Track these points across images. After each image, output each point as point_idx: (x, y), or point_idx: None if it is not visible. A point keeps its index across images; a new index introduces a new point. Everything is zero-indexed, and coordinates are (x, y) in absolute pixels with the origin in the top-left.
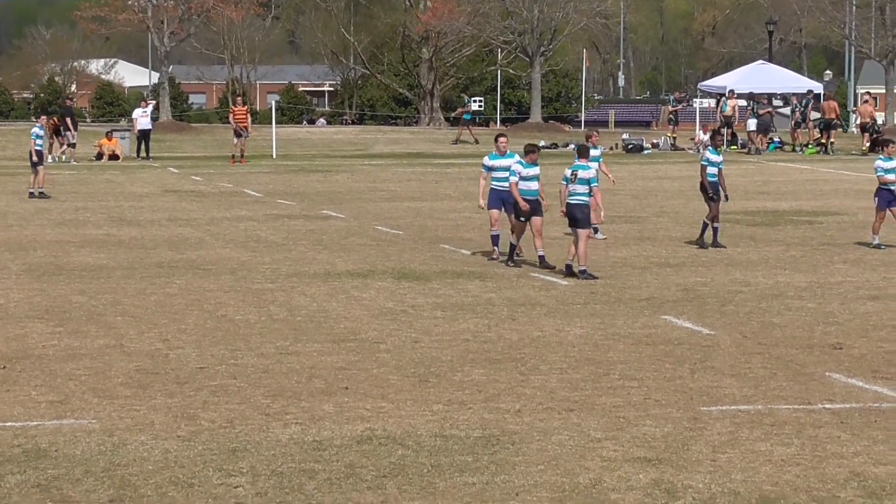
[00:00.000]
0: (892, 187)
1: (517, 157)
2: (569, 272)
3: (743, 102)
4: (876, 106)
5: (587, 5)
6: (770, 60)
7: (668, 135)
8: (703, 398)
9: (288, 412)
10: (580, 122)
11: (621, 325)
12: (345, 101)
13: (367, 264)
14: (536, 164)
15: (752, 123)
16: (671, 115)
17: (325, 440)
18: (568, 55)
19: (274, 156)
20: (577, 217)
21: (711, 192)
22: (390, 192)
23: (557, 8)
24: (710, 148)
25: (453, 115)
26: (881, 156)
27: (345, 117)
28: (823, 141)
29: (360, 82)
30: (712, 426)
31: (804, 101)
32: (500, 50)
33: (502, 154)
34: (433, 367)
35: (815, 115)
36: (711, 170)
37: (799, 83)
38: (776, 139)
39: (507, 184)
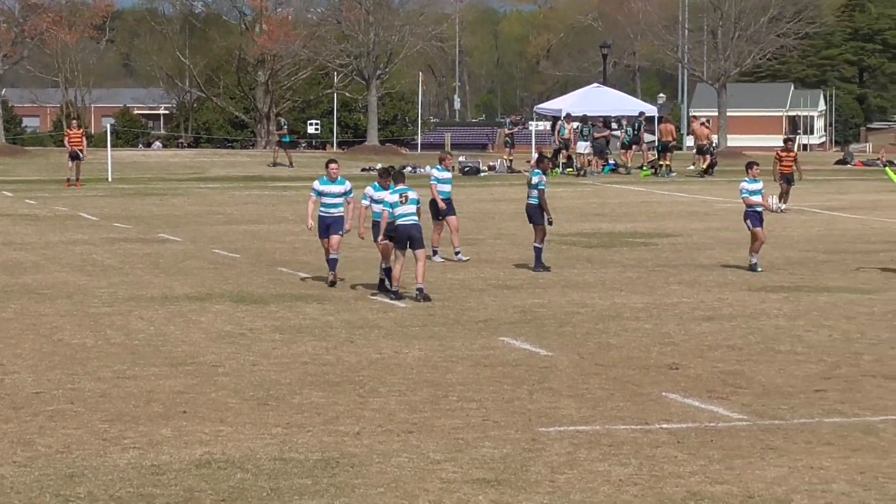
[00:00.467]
0: (758, 209)
1: (348, 184)
2: (390, 291)
3: (576, 125)
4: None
5: (423, 29)
6: (605, 83)
7: (505, 157)
8: (542, 419)
9: (126, 437)
10: (416, 144)
11: (460, 346)
12: (180, 125)
13: (204, 287)
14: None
15: (582, 146)
16: (507, 138)
17: (164, 464)
18: (404, 78)
19: (110, 179)
20: (415, 236)
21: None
22: (227, 216)
23: (393, 31)
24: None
25: (276, 139)
26: (746, 178)
27: (180, 140)
28: (662, 163)
29: (195, 105)
30: (551, 447)
31: (635, 124)
32: (336, 73)
33: (332, 180)
34: (272, 390)
35: (649, 137)
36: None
37: (633, 106)
38: (611, 161)
39: (334, 210)
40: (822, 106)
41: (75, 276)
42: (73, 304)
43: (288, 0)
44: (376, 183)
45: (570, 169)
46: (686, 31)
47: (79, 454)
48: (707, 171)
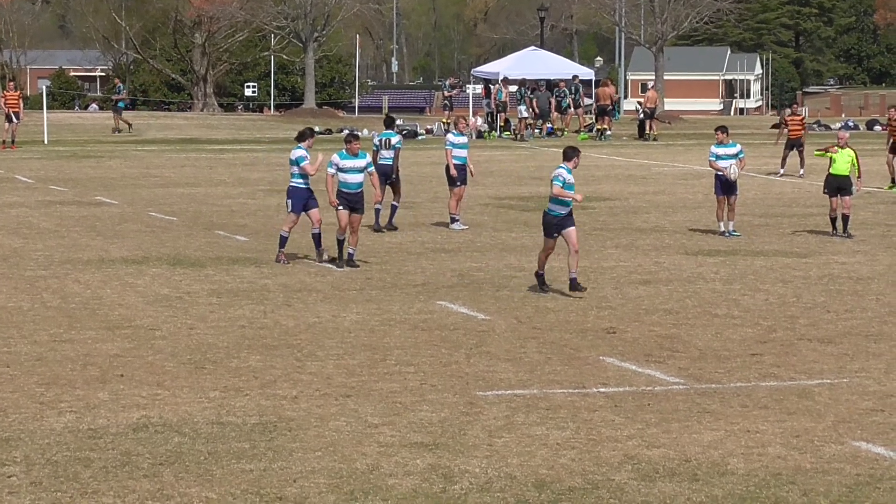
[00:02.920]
0: (720, 174)
1: (368, 158)
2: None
3: (513, 88)
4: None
5: None
6: (542, 47)
7: (443, 120)
8: (479, 383)
9: (62, 400)
10: (354, 107)
11: (397, 310)
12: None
13: (141, 251)
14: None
15: (522, 110)
16: (446, 101)
17: (101, 428)
18: (341, 41)
19: (45, 141)
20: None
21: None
22: (164, 178)
23: None
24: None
25: (112, 101)
26: (715, 142)
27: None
28: (599, 126)
29: (132, 67)
30: (488, 411)
31: (573, 87)
32: (273, 35)
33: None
34: (209, 354)
35: (588, 100)
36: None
37: (570, 69)
38: (549, 125)
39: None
40: (758, 70)
41: (10, 238)
42: (9, 267)
43: None
44: (343, 150)
45: (508, 132)
46: None
47: (15, 418)
48: (601, 133)
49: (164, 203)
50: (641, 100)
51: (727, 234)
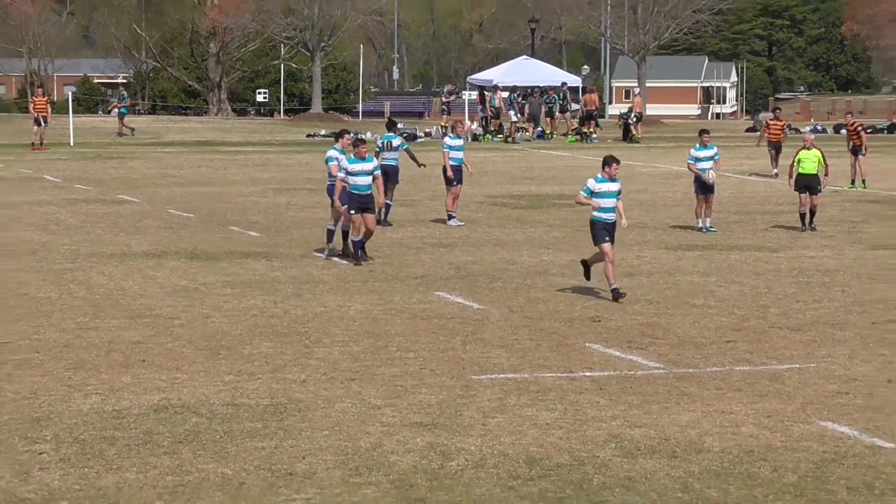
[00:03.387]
0: (701, 174)
1: (375, 161)
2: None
3: (505, 94)
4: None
5: (363, 3)
6: (533, 56)
7: (441, 124)
8: (474, 367)
9: (88, 383)
10: (358, 112)
11: (398, 300)
12: (138, 93)
13: (160, 245)
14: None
15: (512, 115)
16: (443, 106)
17: (124, 409)
18: (346, 50)
19: (72, 143)
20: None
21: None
22: (181, 178)
23: (336, 6)
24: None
25: (109, 108)
26: (697, 145)
27: (138, 107)
28: (585, 130)
29: (151, 75)
30: (483, 393)
31: (561, 94)
32: (283, 45)
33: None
34: (224, 341)
35: (575, 106)
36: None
37: (559, 77)
38: (540, 129)
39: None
40: (733, 77)
41: (39, 234)
42: (38, 261)
43: None
44: (352, 155)
45: (501, 136)
46: (609, 6)
47: (44, 399)
48: (586, 136)
49: (181, 201)
50: (627, 105)
51: (705, 230)
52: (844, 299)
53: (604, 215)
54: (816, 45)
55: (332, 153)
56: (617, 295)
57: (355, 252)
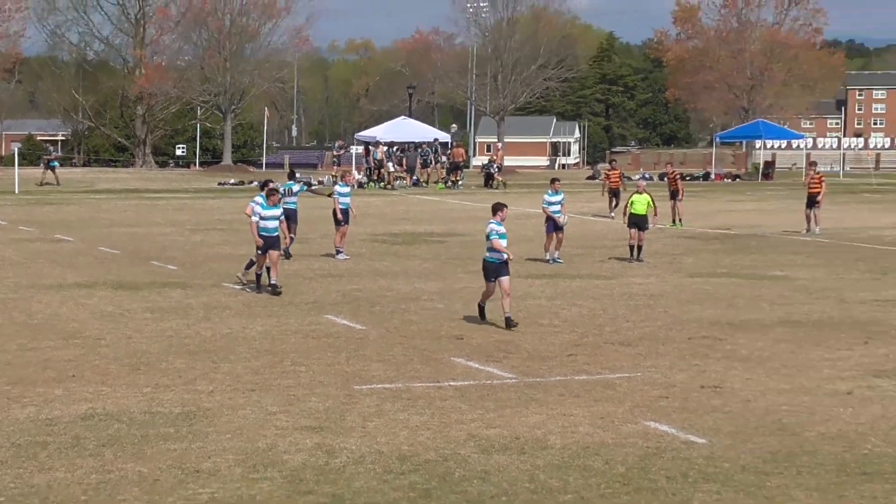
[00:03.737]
0: (553, 216)
1: (281, 208)
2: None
3: (385, 148)
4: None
5: (268, 73)
6: (410, 116)
7: (332, 174)
8: (357, 379)
9: (25, 396)
10: (262, 164)
11: (293, 322)
12: (74, 148)
13: (91, 277)
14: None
15: (390, 166)
16: (335, 158)
17: (56, 418)
18: (253, 111)
19: (16, 191)
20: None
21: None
22: (111, 220)
23: (245, 75)
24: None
25: (43, 161)
26: (549, 190)
27: (75, 161)
28: (453, 178)
29: (87, 133)
30: (363, 401)
31: (433, 148)
32: (199, 107)
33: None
34: (143, 358)
35: (444, 158)
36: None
37: (432, 134)
38: (415, 177)
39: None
40: (577, 134)
41: None
42: None
43: (162, 50)
44: (264, 203)
45: (382, 183)
46: (474, 75)
47: None
48: (454, 183)
49: (110, 240)
50: (488, 158)
51: (552, 262)
52: (666, 318)
53: (496, 255)
54: (645, 107)
55: (256, 199)
56: (509, 323)
57: (257, 282)
